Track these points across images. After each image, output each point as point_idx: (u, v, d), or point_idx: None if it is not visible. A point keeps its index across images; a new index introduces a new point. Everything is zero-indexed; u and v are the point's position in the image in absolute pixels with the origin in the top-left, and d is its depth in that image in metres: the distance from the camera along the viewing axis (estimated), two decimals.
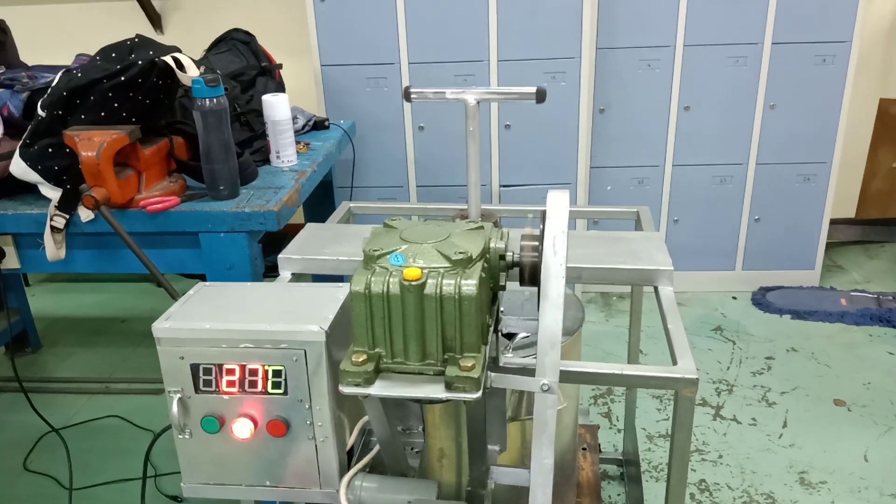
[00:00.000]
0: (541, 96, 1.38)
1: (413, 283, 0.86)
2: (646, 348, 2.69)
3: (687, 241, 3.00)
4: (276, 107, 1.89)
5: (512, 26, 2.54)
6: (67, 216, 1.65)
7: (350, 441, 1.09)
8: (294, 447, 1.05)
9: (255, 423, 1.04)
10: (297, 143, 2.08)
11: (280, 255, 1.45)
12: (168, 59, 1.64)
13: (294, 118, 2.22)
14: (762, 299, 2.96)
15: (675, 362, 1.13)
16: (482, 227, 0.98)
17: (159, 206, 1.64)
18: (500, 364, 1.14)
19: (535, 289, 1.51)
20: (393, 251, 0.91)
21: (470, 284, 0.86)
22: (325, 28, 2.57)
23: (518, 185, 2.76)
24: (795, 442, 2.16)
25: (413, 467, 1.15)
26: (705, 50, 2.70)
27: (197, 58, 2.22)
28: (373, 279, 0.87)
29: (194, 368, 1.03)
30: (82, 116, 1.62)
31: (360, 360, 0.87)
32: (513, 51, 2.57)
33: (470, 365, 0.85)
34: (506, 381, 0.94)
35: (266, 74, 2.28)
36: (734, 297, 3.03)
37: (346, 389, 0.86)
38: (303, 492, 1.08)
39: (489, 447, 1.13)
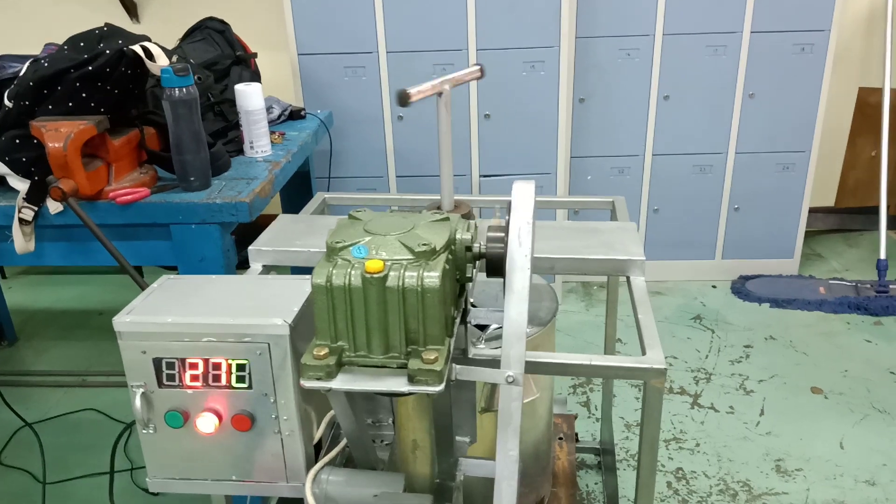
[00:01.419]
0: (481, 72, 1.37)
1: (375, 275, 0.85)
2: (624, 337, 2.70)
3: (667, 230, 3.01)
4: (249, 96, 1.87)
5: (491, 15, 2.52)
6: (36, 208, 1.63)
7: (317, 435, 1.08)
8: (260, 441, 1.04)
9: (220, 417, 1.03)
10: (273, 133, 2.07)
11: (250, 247, 1.43)
12: (137, 48, 1.61)
13: (269, 108, 2.20)
14: (741, 288, 2.98)
15: (644, 352, 1.13)
16: (448, 219, 0.97)
17: (129, 197, 1.62)
18: (470, 355, 1.13)
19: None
20: (355, 243, 0.89)
21: (432, 276, 0.85)
22: (301, 17, 2.54)
23: (498, 175, 2.75)
24: (772, 430, 2.18)
25: (383, 460, 1.15)
26: (685, 39, 2.70)
27: (171, 47, 2.20)
28: (334, 271, 0.86)
29: (157, 363, 1.01)
30: (50, 107, 1.60)
31: (322, 353, 0.86)
32: (492, 40, 2.55)
33: (433, 357, 0.84)
34: (471, 373, 0.93)
35: (241, 64, 2.25)
36: (714, 287, 3.04)
37: (307, 384, 0.85)
38: (270, 486, 1.07)
39: (459, 438, 1.13)
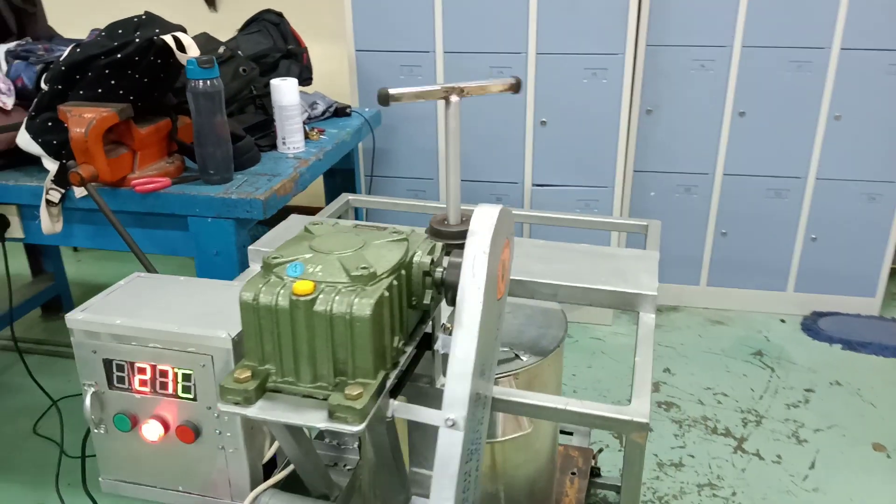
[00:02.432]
0: (517, 87, 1.27)
1: (302, 297, 0.78)
2: (675, 367, 2.53)
3: (734, 256, 2.81)
4: (284, 91, 1.84)
5: (553, 18, 2.41)
6: (63, 191, 1.66)
7: (267, 454, 1.03)
8: (204, 455, 1.00)
9: (167, 426, 0.99)
10: (312, 129, 2.04)
11: (250, 247, 1.40)
12: (168, 38, 1.61)
13: (314, 104, 2.18)
14: (813, 325, 2.74)
15: (630, 401, 1.02)
16: (405, 240, 0.89)
17: (149, 186, 1.62)
18: (439, 385, 1.05)
19: (516, 301, 1.41)
20: (293, 260, 0.83)
21: (364, 304, 0.78)
22: (361, 12, 2.51)
23: (552, 186, 2.64)
24: (821, 486, 1.98)
25: (339, 486, 1.08)
26: (765, 52, 2.50)
27: (228, 38, 2.21)
28: (263, 289, 0.80)
29: (107, 364, 0.99)
30: (81, 92, 1.62)
31: (244, 376, 0.80)
32: (552, 44, 2.44)
33: (355, 394, 0.77)
34: (410, 411, 0.86)
35: (291, 57, 2.24)
36: (782, 321, 2.82)
37: (223, 407, 0.80)
38: (214, 501, 1.03)
39: (417, 471, 1.05)
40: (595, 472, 1.92)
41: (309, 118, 2.15)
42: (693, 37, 2.53)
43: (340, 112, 2.23)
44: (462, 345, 0.82)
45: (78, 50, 1.60)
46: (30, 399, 2.26)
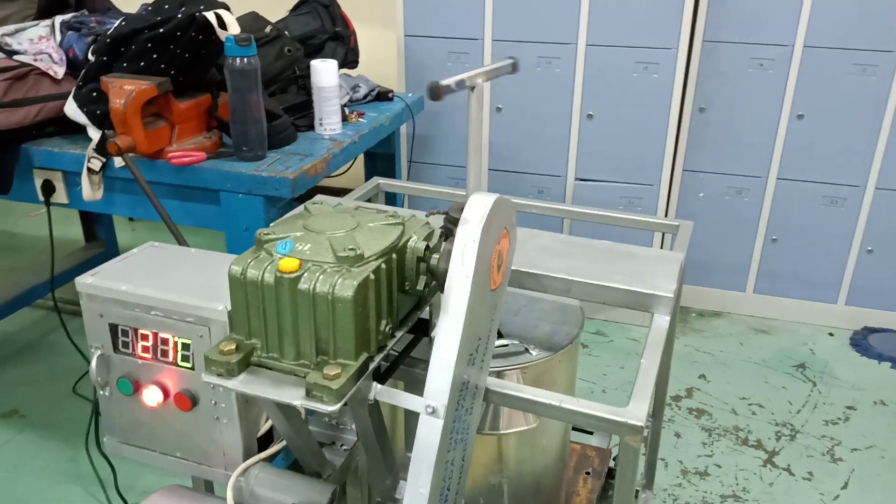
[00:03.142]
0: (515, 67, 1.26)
1: (287, 275, 0.79)
2: (711, 374, 2.46)
3: (784, 263, 2.71)
4: (323, 73, 1.85)
5: (606, 9, 2.35)
6: (104, 160, 1.71)
7: (262, 428, 1.04)
8: (200, 424, 1.02)
9: (166, 393, 1.02)
10: (352, 112, 2.05)
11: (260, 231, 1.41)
12: (210, 15, 1.64)
13: (356, 86, 2.19)
14: (862, 341, 2.63)
15: (627, 403, 0.99)
16: (400, 224, 0.89)
17: (185, 159, 1.66)
18: None
19: (533, 294, 1.39)
20: (284, 237, 0.84)
21: (347, 286, 0.78)
22: None
23: (595, 181, 2.59)
24: None
25: (333, 465, 1.09)
26: (829, 53, 2.39)
27: (278, 18, 2.24)
28: (251, 263, 0.81)
29: (113, 328, 1.01)
30: (124, 64, 1.66)
31: (228, 349, 0.81)
32: (603, 36, 2.39)
33: (333, 374, 0.77)
34: (391, 395, 0.85)
35: (338, 40, 2.25)
36: (830, 334, 2.71)
37: (206, 378, 0.81)
38: (209, 470, 1.05)
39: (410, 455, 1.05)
40: (613, 473, 1.88)
41: (350, 101, 2.16)
42: (753, 34, 2.44)
43: (382, 96, 2.23)
44: (446, 333, 0.82)
45: (123, 23, 1.64)
46: (72, 360, 2.35)
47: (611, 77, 2.43)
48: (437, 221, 0.94)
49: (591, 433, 1.88)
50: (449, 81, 1.26)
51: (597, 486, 1.68)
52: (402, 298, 0.89)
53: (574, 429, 1.74)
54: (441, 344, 0.82)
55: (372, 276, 0.80)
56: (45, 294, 2.57)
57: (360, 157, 2.44)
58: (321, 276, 0.78)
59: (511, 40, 2.46)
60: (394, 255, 0.85)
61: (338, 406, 0.76)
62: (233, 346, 0.81)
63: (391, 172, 2.42)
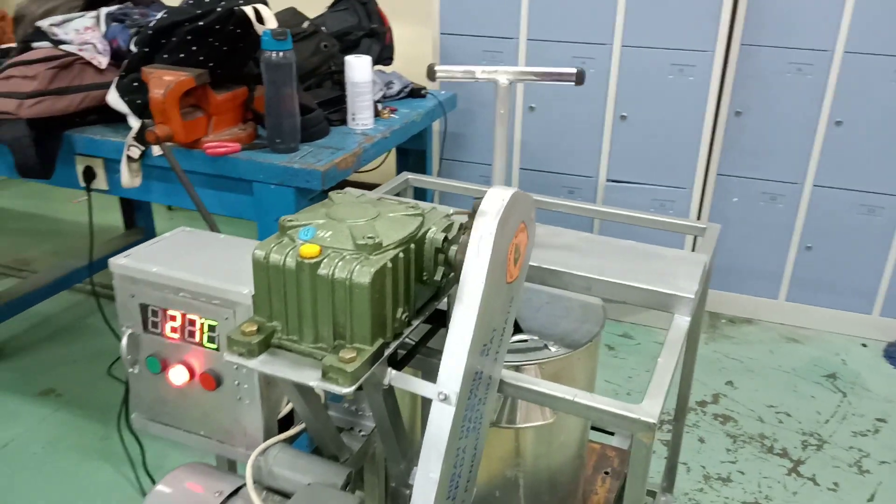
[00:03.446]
0: (580, 78, 1.26)
1: (307, 260, 0.81)
2: (739, 381, 2.44)
3: (818, 272, 2.67)
4: (356, 68, 1.88)
5: (642, 10, 2.35)
6: (143, 148, 1.76)
7: (283, 411, 1.07)
8: (223, 403, 1.05)
9: (192, 372, 1.05)
10: (385, 108, 2.08)
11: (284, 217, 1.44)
12: (248, 9, 1.68)
13: (390, 83, 2.22)
14: None
15: (642, 401, 1.00)
16: (420, 215, 0.91)
17: (220, 150, 1.70)
18: None
19: (556, 292, 1.40)
20: (306, 224, 0.86)
21: (364, 272, 0.80)
22: None
23: (627, 183, 2.58)
24: None
25: (350, 450, 1.11)
26: (869, 60, 2.35)
27: (316, 14, 2.28)
28: (275, 248, 0.84)
29: (143, 308, 1.05)
30: (165, 56, 1.71)
31: (250, 330, 0.84)
32: (639, 37, 2.38)
33: (348, 357, 0.79)
34: (405, 381, 0.87)
35: (373, 37, 2.28)
36: (864, 345, 2.66)
37: (228, 357, 0.84)
38: (231, 449, 1.08)
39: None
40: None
41: (384, 97, 2.19)
42: (792, 39, 2.41)
43: (416, 93, 2.26)
44: (460, 323, 0.83)
45: (165, 16, 1.69)
46: (108, 343, 2.41)
47: (645, 78, 2.42)
48: (462, 220, 0.96)
49: (611, 433, 1.88)
50: (453, 69, 1.29)
51: (615, 486, 1.68)
52: (419, 288, 0.91)
53: (594, 429, 1.75)
54: (455, 333, 0.83)
55: (389, 265, 0.82)
56: (84, 278, 2.66)
57: (393, 153, 2.48)
58: (340, 263, 0.81)
59: (546, 40, 2.47)
60: (412, 246, 0.87)
61: (352, 388, 0.79)
62: (254, 328, 0.84)
63: (423, 169, 2.44)
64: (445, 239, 0.91)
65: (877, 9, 2.29)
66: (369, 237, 0.83)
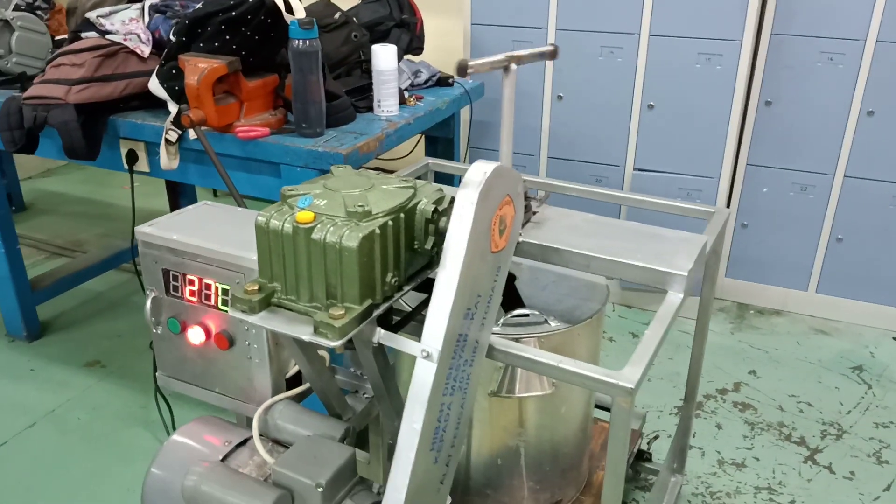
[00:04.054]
0: (554, 53, 1.31)
1: (302, 225, 0.89)
2: (762, 370, 2.44)
3: (849, 264, 2.64)
4: (381, 57, 1.95)
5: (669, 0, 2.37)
6: (180, 132, 1.87)
7: (291, 371, 1.16)
8: (235, 362, 1.14)
9: (208, 333, 1.14)
10: (411, 96, 2.15)
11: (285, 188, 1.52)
12: (278, 0, 1.77)
13: (417, 72, 2.29)
14: None
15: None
16: (411, 188, 0.98)
17: (250, 134, 1.80)
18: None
19: (563, 271, 1.45)
20: (304, 194, 0.94)
21: (353, 237, 0.87)
22: None
23: (654, 171, 2.60)
24: None
25: (353, 409, 1.19)
26: None
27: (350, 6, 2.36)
28: (275, 215, 0.92)
29: (165, 273, 1.15)
30: (201, 45, 1.81)
31: (252, 289, 0.92)
32: (667, 26, 2.40)
33: (338, 314, 0.87)
34: (392, 339, 0.94)
35: (404, 27, 2.35)
36: (895, 339, 2.63)
37: (232, 312, 0.92)
38: (243, 405, 1.17)
39: None
40: (646, 456, 1.92)
41: (412, 85, 2.26)
42: (823, 28, 2.40)
43: (443, 82, 2.32)
44: (442, 286, 0.90)
45: (200, 7, 1.79)
46: None
47: (673, 68, 2.44)
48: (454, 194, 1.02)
49: None
50: (480, 61, 1.34)
51: None
52: (411, 256, 0.98)
53: (604, 408, 1.79)
54: (437, 296, 0.90)
55: (378, 231, 0.89)
56: (129, 259, 2.81)
57: (423, 141, 2.55)
58: (332, 228, 0.88)
59: (574, 29, 2.50)
60: (402, 215, 0.94)
61: (339, 342, 0.86)
62: (256, 287, 0.92)
63: (450, 156, 2.51)
64: (436, 210, 0.97)
65: None
66: (360, 206, 0.90)
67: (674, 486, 1.83)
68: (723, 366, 2.48)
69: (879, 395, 2.32)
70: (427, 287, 1.09)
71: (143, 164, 2.03)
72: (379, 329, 0.95)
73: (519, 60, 1.36)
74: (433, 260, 1.04)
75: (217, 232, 1.14)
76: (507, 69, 1.36)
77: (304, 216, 0.89)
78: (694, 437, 2.13)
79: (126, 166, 2.03)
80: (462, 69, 1.33)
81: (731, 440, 2.13)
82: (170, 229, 1.14)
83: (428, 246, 0.98)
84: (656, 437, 2.07)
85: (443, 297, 0.90)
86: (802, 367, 2.47)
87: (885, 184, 2.51)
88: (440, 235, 0.98)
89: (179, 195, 3.17)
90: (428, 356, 0.90)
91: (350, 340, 0.91)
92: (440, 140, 2.47)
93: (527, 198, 1.43)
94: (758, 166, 2.65)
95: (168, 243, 1.12)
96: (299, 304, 0.92)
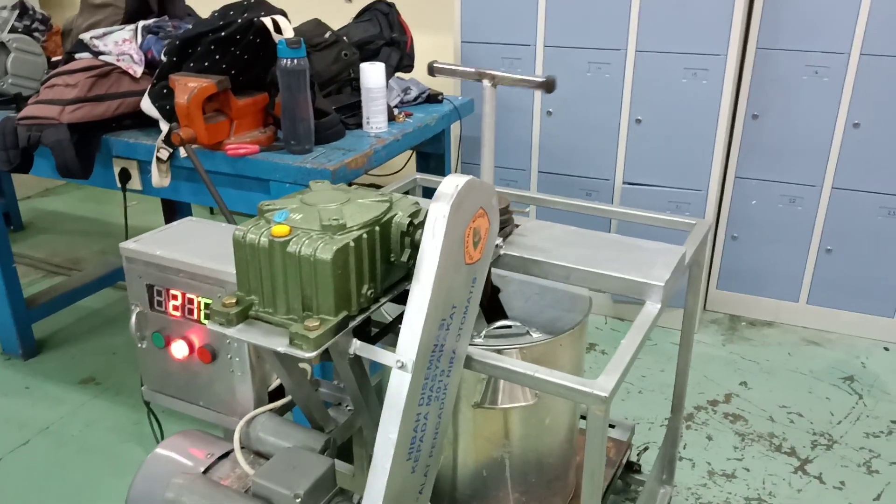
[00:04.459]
0: (549, 86, 1.33)
1: (278, 239, 0.91)
2: (753, 382, 2.45)
3: (840, 275, 2.66)
4: (370, 75, 1.98)
5: (655, 16, 2.40)
6: (171, 150, 1.90)
7: (273, 384, 1.17)
8: (218, 376, 1.16)
9: (192, 347, 1.16)
10: (401, 112, 2.18)
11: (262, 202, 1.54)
12: (267, 20, 1.80)
13: (407, 89, 2.32)
14: None
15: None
16: (387, 201, 1.00)
17: (240, 151, 1.82)
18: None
19: (547, 283, 1.47)
20: (281, 208, 0.96)
21: (327, 250, 0.89)
22: (469, 4, 2.62)
23: (642, 185, 2.62)
24: None
25: (336, 421, 1.21)
26: (886, 62, 2.35)
27: (340, 26, 2.40)
28: (252, 229, 0.94)
29: (149, 288, 1.17)
30: (191, 64, 1.85)
31: (230, 302, 0.94)
32: (653, 42, 2.43)
33: (312, 325, 0.89)
34: (368, 350, 0.96)
35: (394, 45, 2.39)
36: (886, 349, 2.64)
37: (210, 326, 0.94)
38: (226, 418, 1.19)
39: None
40: (634, 468, 1.93)
41: (402, 102, 2.29)
42: (808, 42, 2.43)
43: (432, 98, 2.35)
44: (416, 297, 0.92)
45: (191, 27, 1.83)
46: None
47: (660, 83, 2.47)
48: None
49: (612, 426, 1.93)
50: (449, 66, 1.39)
51: (609, 474, 1.73)
52: (387, 268, 1.00)
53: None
54: (411, 307, 0.92)
55: (352, 244, 0.92)
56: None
57: (415, 157, 2.58)
58: (307, 241, 0.90)
59: (563, 46, 2.54)
60: (377, 228, 0.96)
61: (314, 354, 0.88)
62: (233, 301, 0.94)
63: (442, 171, 2.53)
64: (411, 223, 0.99)
65: (893, 10, 2.29)
66: (334, 219, 0.92)
67: (663, 497, 1.83)
68: (714, 377, 2.49)
69: (870, 405, 2.33)
70: (405, 299, 1.11)
71: (135, 183, 2.06)
72: (355, 340, 0.97)
73: (493, 78, 1.38)
74: (410, 272, 1.06)
75: (200, 247, 1.16)
76: (484, 84, 1.39)
77: (280, 230, 0.91)
78: (684, 448, 2.14)
79: (119, 184, 2.06)
80: (430, 69, 1.38)
81: (722, 451, 2.13)
82: (154, 245, 1.16)
83: (404, 258, 1.00)
84: (646, 449, 2.08)
85: (417, 308, 0.92)
86: (793, 378, 2.48)
87: (872, 195, 2.53)
88: (416, 248, 1.00)
89: (175, 213, 3.20)
90: (402, 366, 0.92)
91: (327, 352, 0.93)
92: (432, 156, 2.50)
93: (509, 211, 1.45)
94: (746, 179, 2.68)
95: (152, 259, 1.14)
96: (276, 316, 0.94)
